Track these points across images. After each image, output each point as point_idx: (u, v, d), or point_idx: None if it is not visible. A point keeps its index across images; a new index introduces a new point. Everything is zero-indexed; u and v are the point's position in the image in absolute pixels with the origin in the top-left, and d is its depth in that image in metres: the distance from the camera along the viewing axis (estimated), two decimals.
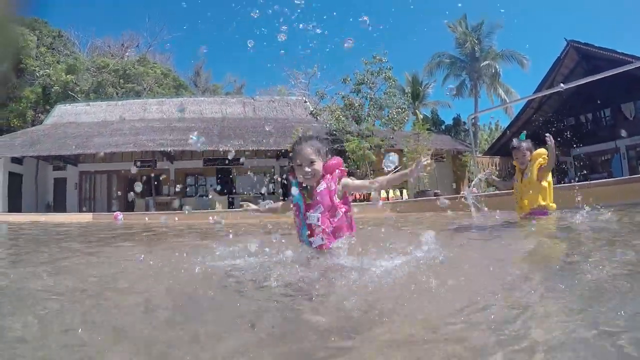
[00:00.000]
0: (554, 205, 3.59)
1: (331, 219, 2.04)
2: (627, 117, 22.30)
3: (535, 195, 3.55)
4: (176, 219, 9.06)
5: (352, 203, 2.19)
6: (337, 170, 2.15)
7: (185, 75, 30.87)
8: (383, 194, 14.59)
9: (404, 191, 15.06)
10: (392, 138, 16.56)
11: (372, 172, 15.87)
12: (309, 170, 2.08)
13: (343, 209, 2.10)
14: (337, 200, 2.08)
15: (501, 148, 20.57)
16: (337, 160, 2.19)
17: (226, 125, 19.48)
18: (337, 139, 16.43)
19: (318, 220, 2.03)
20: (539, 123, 21.60)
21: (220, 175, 19.69)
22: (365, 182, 2.25)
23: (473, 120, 20.60)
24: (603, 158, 23.28)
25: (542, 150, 3.62)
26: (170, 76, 29.13)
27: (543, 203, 3.54)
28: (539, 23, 74.22)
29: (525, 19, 71.55)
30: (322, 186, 2.10)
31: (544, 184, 3.56)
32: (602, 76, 7.96)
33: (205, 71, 32.75)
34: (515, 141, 3.83)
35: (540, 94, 17.46)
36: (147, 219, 10.74)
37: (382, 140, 15.87)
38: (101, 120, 21.39)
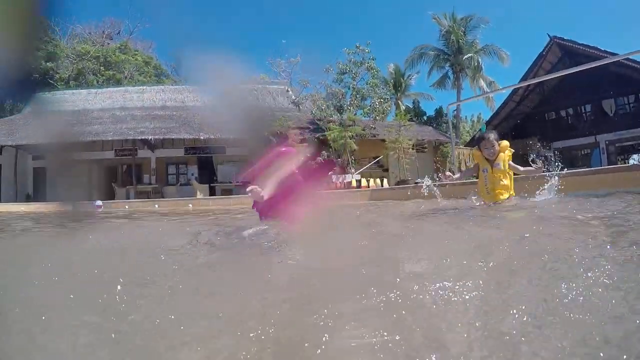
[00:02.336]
0: (514, 193, 3.76)
1: None
2: (608, 113, 22.71)
3: (508, 184, 3.67)
4: (156, 205, 9.57)
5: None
6: None
7: (167, 63, 30.44)
8: (364, 182, 14.59)
9: (385, 180, 15.09)
10: (374, 128, 16.58)
11: (353, 160, 15.88)
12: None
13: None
14: None
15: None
16: None
17: (207, 114, 19.26)
18: (319, 127, 16.38)
19: None
20: (521, 116, 21.94)
21: (201, 163, 19.57)
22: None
23: (454, 112, 20.75)
24: (583, 152, 23.68)
25: (506, 143, 3.76)
26: (151, 64, 28.61)
27: (512, 192, 3.70)
28: (523, 18, 76.12)
29: (508, 14, 73.11)
30: None
31: (511, 174, 3.71)
32: (582, 69, 8.15)
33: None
34: (482, 132, 4.02)
35: (515, 86, 17.63)
36: (127, 206, 11.13)
37: (364, 130, 15.88)
38: (81, 108, 20.99)
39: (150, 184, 19.20)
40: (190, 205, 9.65)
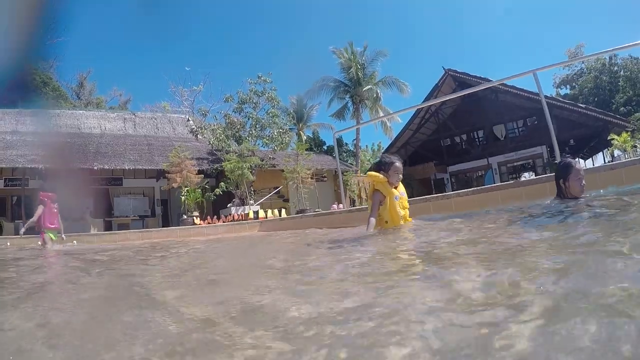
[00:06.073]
0: None
1: None
2: (499, 137, 25.24)
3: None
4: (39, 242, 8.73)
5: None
6: None
7: (68, 85, 28.39)
8: (261, 213, 14.61)
9: (283, 210, 15.24)
10: (274, 158, 16.76)
11: (252, 191, 15.85)
12: None
13: None
14: None
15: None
16: None
17: (104, 142, 18.23)
18: (218, 158, 16.19)
19: None
20: (418, 143, 23.57)
21: (97, 196, 18.29)
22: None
23: (354, 141, 21.77)
24: (478, 174, 25.95)
25: None
26: (50, 85, 26.52)
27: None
28: (419, 53, 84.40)
29: (407, 49, 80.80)
30: None
31: None
32: (462, 94, 9.11)
33: (90, 82, 30.53)
34: (390, 157, 3.48)
35: (404, 110, 19.02)
36: (8, 243, 10.09)
37: (262, 160, 15.97)
38: None
39: None
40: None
